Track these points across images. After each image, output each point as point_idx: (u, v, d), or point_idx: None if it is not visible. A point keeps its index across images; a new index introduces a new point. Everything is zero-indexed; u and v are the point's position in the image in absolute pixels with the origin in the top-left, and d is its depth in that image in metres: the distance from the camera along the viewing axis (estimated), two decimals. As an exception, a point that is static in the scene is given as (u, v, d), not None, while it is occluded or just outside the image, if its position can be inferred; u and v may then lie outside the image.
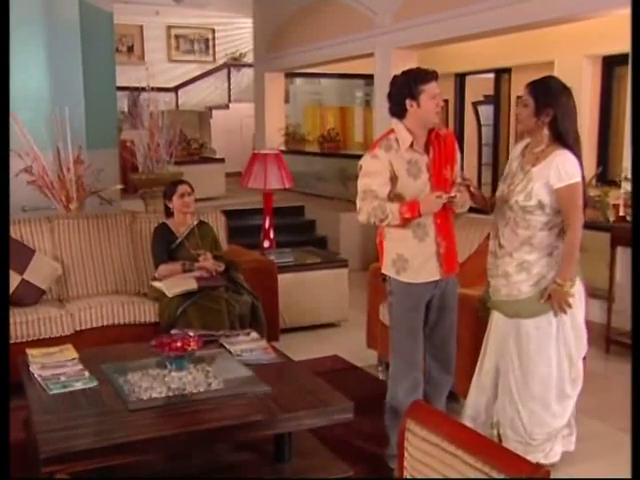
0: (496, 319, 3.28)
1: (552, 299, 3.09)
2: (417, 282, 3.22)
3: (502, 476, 1.72)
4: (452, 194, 3.08)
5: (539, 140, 3.08)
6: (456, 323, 3.42)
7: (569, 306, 3.11)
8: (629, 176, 4.91)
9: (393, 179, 3.14)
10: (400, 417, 3.20)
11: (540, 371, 3.17)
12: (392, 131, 3.21)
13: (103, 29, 7.27)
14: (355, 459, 3.36)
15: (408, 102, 3.11)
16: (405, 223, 3.12)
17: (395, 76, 3.21)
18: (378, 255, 3.38)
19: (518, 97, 3.15)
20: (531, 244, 3.09)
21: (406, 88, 3.11)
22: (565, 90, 3.04)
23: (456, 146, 3.31)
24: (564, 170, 2.99)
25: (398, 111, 3.17)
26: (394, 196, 3.16)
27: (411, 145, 3.15)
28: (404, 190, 3.15)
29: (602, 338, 5.03)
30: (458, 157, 3.31)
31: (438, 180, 3.18)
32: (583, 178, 3.06)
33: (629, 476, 2.61)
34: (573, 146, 3.02)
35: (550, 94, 3.00)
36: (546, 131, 3.04)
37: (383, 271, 3.32)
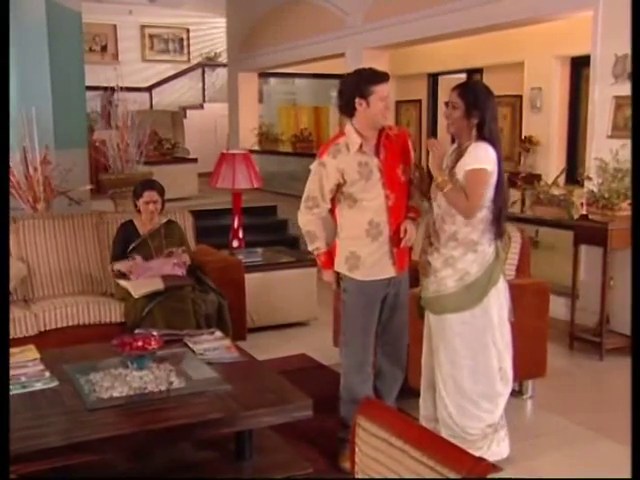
0: (427, 317, 3.37)
1: (431, 142, 3.24)
2: (369, 280, 3.28)
3: (446, 470, 1.76)
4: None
5: (466, 141, 3.18)
6: (407, 320, 3.48)
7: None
8: (591, 175, 5.00)
9: (341, 184, 3.23)
10: (352, 404, 3.24)
11: (466, 365, 3.24)
12: (342, 134, 3.26)
13: (71, 29, 7.23)
14: (317, 456, 3.40)
15: (357, 101, 3.16)
16: (377, 227, 3.25)
17: (347, 74, 3.28)
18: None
19: (446, 103, 3.23)
20: (456, 239, 3.17)
21: (356, 87, 3.17)
22: (490, 94, 3.18)
23: (410, 145, 3.35)
24: (475, 155, 3.09)
25: (347, 110, 3.22)
26: (347, 196, 3.24)
27: (360, 148, 3.20)
28: (355, 190, 3.22)
29: (566, 335, 5.11)
30: (412, 156, 3.36)
31: (390, 181, 3.24)
32: (501, 176, 3.14)
33: (622, 475, 2.67)
34: (496, 144, 3.13)
35: (479, 97, 3.13)
36: (474, 132, 3.14)
37: (336, 269, 3.37)
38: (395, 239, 3.25)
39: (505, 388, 3.34)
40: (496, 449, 3.32)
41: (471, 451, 3.07)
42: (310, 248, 3.41)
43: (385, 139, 3.26)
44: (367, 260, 3.27)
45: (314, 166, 3.31)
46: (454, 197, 3.12)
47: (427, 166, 3.27)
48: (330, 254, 3.37)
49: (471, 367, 3.24)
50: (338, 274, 3.38)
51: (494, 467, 3.28)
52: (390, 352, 3.46)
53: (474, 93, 3.15)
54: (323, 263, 3.39)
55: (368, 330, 3.35)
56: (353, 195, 3.23)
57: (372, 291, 3.30)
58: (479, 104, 3.10)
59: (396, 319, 3.42)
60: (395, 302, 3.38)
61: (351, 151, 3.20)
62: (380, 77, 3.17)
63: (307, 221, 3.35)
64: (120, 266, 4.48)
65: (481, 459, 1.75)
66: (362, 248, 3.27)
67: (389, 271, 3.29)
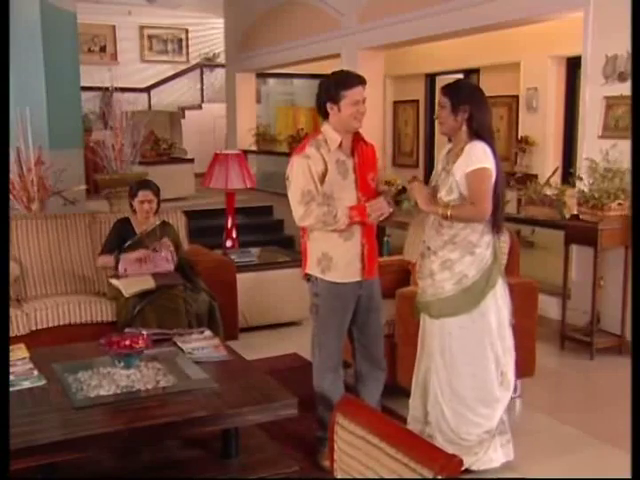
0: (423, 320, 3.35)
1: (412, 186, 3.24)
2: (342, 282, 3.26)
3: (419, 466, 1.78)
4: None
5: (460, 140, 3.19)
6: (382, 322, 3.52)
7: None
8: (582, 175, 5.01)
9: (322, 176, 3.17)
10: (327, 404, 3.31)
11: (463, 371, 3.22)
12: (319, 132, 3.27)
13: (66, 29, 7.24)
14: (305, 455, 3.42)
15: (329, 105, 3.18)
16: (349, 227, 3.20)
17: (323, 78, 3.28)
18: (302, 256, 3.40)
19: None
20: (454, 242, 3.16)
21: (327, 92, 3.17)
22: (477, 88, 3.25)
23: (377, 159, 3.41)
24: (474, 156, 3.10)
25: (321, 113, 3.25)
26: (322, 194, 3.19)
27: (340, 145, 3.21)
28: (332, 188, 3.18)
29: (557, 334, 5.12)
30: (379, 170, 3.41)
31: (363, 183, 3.25)
32: (499, 172, 3.14)
33: (613, 475, 2.68)
34: (489, 140, 3.14)
35: (464, 92, 3.17)
36: (464, 128, 3.15)
37: (307, 271, 3.33)
38: (365, 240, 3.26)
39: (504, 393, 3.30)
40: (493, 455, 3.29)
41: (467, 457, 3.15)
42: (339, 222, 3.15)
43: (359, 142, 3.28)
44: (340, 261, 3.24)
45: (297, 162, 3.18)
46: (461, 213, 3.10)
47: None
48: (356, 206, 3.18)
49: (469, 372, 3.22)
50: (309, 276, 3.34)
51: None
52: (369, 355, 3.46)
53: (457, 89, 3.20)
54: (361, 214, 3.15)
55: (342, 333, 3.36)
56: (332, 196, 3.18)
57: (345, 294, 3.29)
58: (464, 98, 3.13)
59: (372, 321, 3.42)
60: (369, 305, 3.38)
61: (331, 148, 3.20)
62: (351, 81, 3.15)
63: (316, 211, 3.13)
64: (103, 260, 4.56)
65: (453, 456, 1.77)
66: (334, 249, 3.24)
67: (358, 274, 3.28)
